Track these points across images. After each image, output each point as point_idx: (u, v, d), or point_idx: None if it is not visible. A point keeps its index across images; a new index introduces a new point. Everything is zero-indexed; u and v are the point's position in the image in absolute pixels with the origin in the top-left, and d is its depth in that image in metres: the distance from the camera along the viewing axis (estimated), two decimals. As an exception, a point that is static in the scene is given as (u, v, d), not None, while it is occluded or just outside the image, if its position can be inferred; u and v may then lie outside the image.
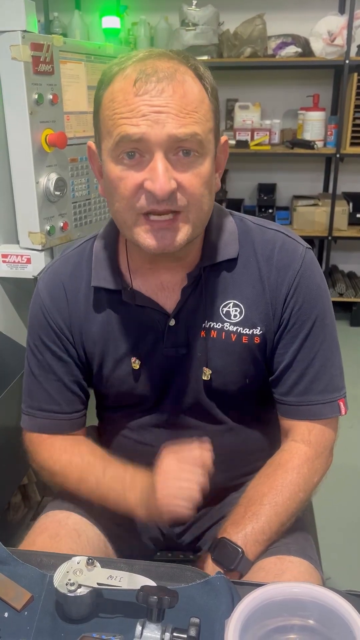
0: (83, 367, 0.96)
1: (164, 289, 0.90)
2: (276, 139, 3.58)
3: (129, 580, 0.67)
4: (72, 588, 0.67)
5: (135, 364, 0.91)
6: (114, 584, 0.67)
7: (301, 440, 0.90)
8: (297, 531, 0.91)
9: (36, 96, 1.44)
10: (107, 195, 0.82)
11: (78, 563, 0.70)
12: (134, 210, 0.78)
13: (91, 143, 0.87)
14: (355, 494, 2.04)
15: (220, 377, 0.90)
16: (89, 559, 0.70)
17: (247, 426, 0.97)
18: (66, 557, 0.72)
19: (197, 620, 0.59)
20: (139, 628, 0.59)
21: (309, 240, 0.84)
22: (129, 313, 0.90)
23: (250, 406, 0.96)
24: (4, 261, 1.59)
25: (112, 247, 0.92)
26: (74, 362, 0.95)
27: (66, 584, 0.67)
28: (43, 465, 0.95)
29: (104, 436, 1.06)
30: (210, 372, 0.90)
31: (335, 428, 0.92)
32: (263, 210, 3.67)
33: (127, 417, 0.99)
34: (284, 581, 0.79)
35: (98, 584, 0.67)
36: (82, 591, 0.67)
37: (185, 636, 0.58)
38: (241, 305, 0.88)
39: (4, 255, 1.59)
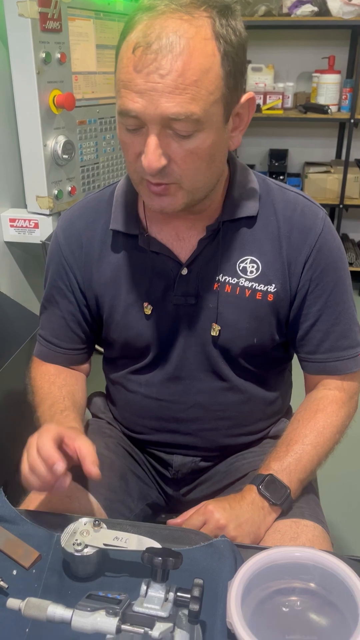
0: (90, 312, 0.98)
1: (180, 239, 0.91)
2: (289, 103, 3.48)
3: (134, 541, 0.68)
4: (79, 548, 0.68)
5: (147, 309, 0.92)
6: (120, 545, 0.68)
7: (335, 388, 0.95)
8: (309, 495, 0.92)
9: (44, 55, 1.40)
10: None
11: (85, 524, 0.71)
12: (137, 173, 0.80)
13: None
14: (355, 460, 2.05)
15: (229, 333, 0.91)
16: (95, 520, 0.71)
17: (251, 385, 0.98)
18: (74, 519, 0.73)
19: (200, 581, 0.61)
20: (143, 587, 0.60)
21: None
22: (143, 259, 0.91)
23: (255, 367, 0.96)
24: (11, 225, 1.58)
25: (132, 194, 0.93)
26: (78, 304, 0.98)
27: (73, 544, 0.68)
28: (29, 384, 1.02)
29: (112, 396, 1.07)
30: (219, 328, 0.91)
31: (358, 376, 0.98)
32: (274, 176, 3.61)
33: (135, 372, 1.00)
34: (294, 545, 0.81)
35: (104, 544, 0.68)
36: (88, 551, 0.68)
37: (188, 596, 0.59)
38: (258, 262, 0.90)
39: (12, 220, 1.58)
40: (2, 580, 0.68)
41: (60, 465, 0.72)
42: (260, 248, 0.89)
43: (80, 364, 1.04)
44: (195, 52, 0.70)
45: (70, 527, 0.71)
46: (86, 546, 0.68)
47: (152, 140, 0.74)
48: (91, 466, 0.75)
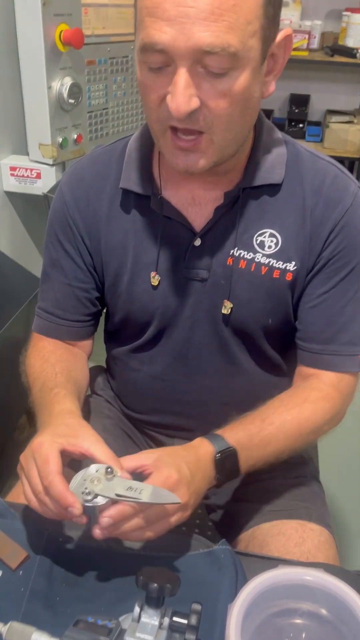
0: (97, 276, 0.90)
1: (195, 204, 0.82)
2: (315, 43, 3.24)
3: (149, 493, 0.62)
4: (89, 498, 0.61)
5: (155, 279, 0.84)
6: (134, 496, 0.61)
7: (330, 384, 0.85)
8: (316, 493, 0.87)
9: (50, -17, 1.26)
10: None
11: (96, 471, 0.64)
12: (160, 122, 0.70)
13: None
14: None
15: (242, 312, 0.84)
16: (108, 468, 0.64)
17: (262, 370, 0.91)
18: (84, 464, 0.66)
19: (198, 607, 0.56)
20: (137, 610, 0.56)
21: (339, 160, 0.77)
22: (154, 224, 0.83)
23: (269, 350, 0.89)
24: (12, 174, 1.48)
25: (147, 149, 0.83)
26: (87, 268, 0.89)
27: (82, 493, 0.62)
28: (23, 363, 0.93)
29: (113, 372, 1.01)
30: (232, 306, 0.83)
31: (356, 380, 0.88)
32: (293, 124, 3.41)
33: (138, 349, 0.93)
34: (299, 550, 0.76)
35: (116, 494, 0.62)
36: (99, 501, 0.61)
37: (185, 622, 0.55)
38: (278, 236, 0.81)
39: (12, 168, 1.47)
40: (-15, 585, 0.64)
41: (77, 508, 0.61)
42: (281, 221, 0.80)
43: (83, 339, 0.95)
44: None
45: (80, 475, 0.64)
46: (97, 496, 0.61)
47: (182, 78, 0.63)
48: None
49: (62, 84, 1.36)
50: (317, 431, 0.83)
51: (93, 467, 0.64)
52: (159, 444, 0.99)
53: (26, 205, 1.58)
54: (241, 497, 0.92)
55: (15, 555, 0.68)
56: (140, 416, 0.98)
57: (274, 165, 0.80)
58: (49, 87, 1.34)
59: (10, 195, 1.52)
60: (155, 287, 0.85)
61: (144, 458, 0.67)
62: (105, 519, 0.61)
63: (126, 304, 0.88)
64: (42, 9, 1.26)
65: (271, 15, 0.65)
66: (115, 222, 0.85)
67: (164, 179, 0.82)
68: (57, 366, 0.88)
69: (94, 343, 0.98)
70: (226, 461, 0.74)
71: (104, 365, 1.07)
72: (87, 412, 1.02)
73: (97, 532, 0.62)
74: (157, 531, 0.65)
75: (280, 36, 0.68)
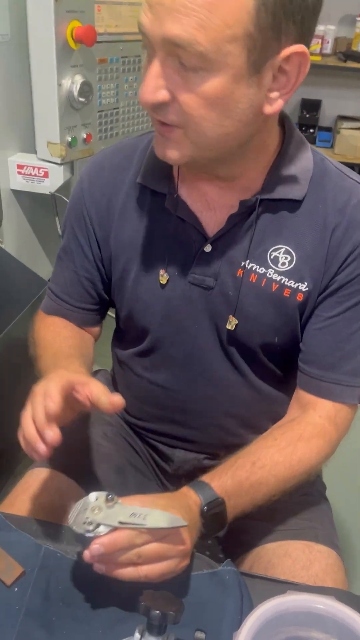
0: (104, 270, 0.88)
1: (210, 209, 0.79)
2: (328, 48, 3.22)
3: (155, 518, 0.59)
4: (91, 528, 0.59)
5: (163, 277, 0.81)
6: (138, 522, 0.59)
7: (327, 417, 0.81)
8: (323, 512, 0.84)
9: (63, -21, 1.23)
10: None
11: (96, 499, 0.62)
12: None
13: None
14: None
15: (247, 328, 0.80)
16: (108, 495, 0.62)
17: (267, 385, 0.87)
18: (74, 506, 0.63)
19: (202, 636, 0.53)
20: (137, 636, 0.53)
21: (349, 166, 0.75)
22: (167, 223, 0.81)
23: (274, 365, 0.86)
24: (19, 172, 1.45)
25: None
26: (95, 260, 0.87)
27: (84, 523, 0.59)
28: (31, 337, 0.91)
29: (117, 376, 0.99)
30: (237, 322, 0.80)
31: (354, 413, 0.83)
32: (304, 129, 3.38)
33: (141, 354, 0.90)
34: (306, 573, 0.73)
35: (120, 522, 0.59)
36: (102, 530, 0.58)
37: (188, 652, 0.52)
38: (293, 254, 0.77)
39: (20, 166, 1.45)
40: (-22, 602, 0.61)
41: (54, 432, 0.62)
42: (299, 238, 0.76)
43: (91, 326, 0.93)
44: None
45: (79, 504, 0.62)
46: (99, 525, 0.59)
47: (153, 67, 0.63)
48: (110, 399, 0.64)
49: (73, 82, 1.34)
50: (310, 470, 0.78)
51: (92, 495, 0.62)
52: (160, 454, 0.96)
53: (33, 204, 1.56)
54: (248, 513, 0.89)
55: (11, 571, 0.65)
56: (142, 423, 0.95)
57: (297, 180, 0.76)
58: (59, 85, 1.32)
59: (17, 193, 1.49)
60: (163, 286, 0.82)
61: (137, 501, 0.63)
62: (96, 546, 0.58)
63: (131, 301, 0.86)
64: (54, 5, 1.23)
65: (268, 26, 0.60)
66: (129, 216, 0.83)
67: (181, 178, 0.79)
68: (69, 340, 0.87)
69: (101, 331, 0.96)
70: (213, 514, 0.69)
71: (109, 370, 1.04)
72: (87, 418, 0.99)
73: (87, 556, 0.59)
74: (153, 572, 0.60)
75: (288, 51, 0.62)
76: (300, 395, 0.83)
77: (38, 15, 1.26)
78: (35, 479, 0.86)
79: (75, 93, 1.34)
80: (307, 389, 0.82)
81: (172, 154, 0.70)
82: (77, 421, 0.99)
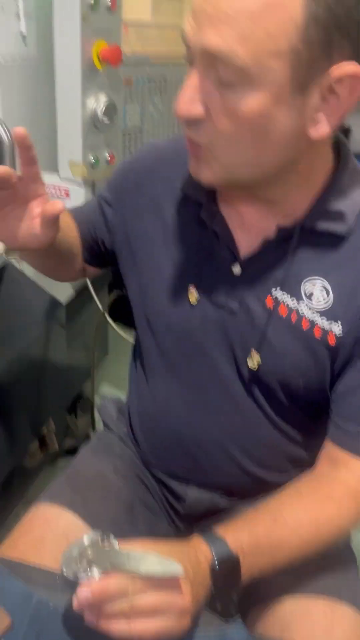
0: (107, 254, 0.89)
1: (245, 229, 0.74)
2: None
3: (151, 563, 0.54)
4: (81, 570, 0.54)
5: (192, 295, 0.76)
6: (132, 567, 0.54)
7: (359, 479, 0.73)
8: (347, 565, 0.76)
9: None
10: None
11: (91, 541, 0.57)
12: None
13: None
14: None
15: (270, 364, 0.74)
16: (103, 536, 0.57)
17: (293, 427, 0.80)
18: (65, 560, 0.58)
19: None
20: None
21: None
22: (200, 235, 0.76)
23: (299, 409, 0.79)
24: (40, 192, 1.43)
25: None
26: (99, 238, 0.88)
27: (75, 564, 0.55)
28: None
29: (131, 396, 0.94)
30: (259, 357, 0.73)
31: None
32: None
33: (156, 377, 0.86)
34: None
35: (111, 565, 0.54)
36: (95, 575, 0.54)
37: None
38: (331, 292, 0.70)
39: (41, 185, 1.42)
40: None
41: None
42: (339, 276, 0.70)
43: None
44: None
45: (73, 546, 0.57)
46: (90, 568, 0.54)
47: (191, 78, 0.59)
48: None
49: (97, 102, 1.32)
50: (339, 534, 0.71)
51: (87, 537, 0.57)
52: (172, 492, 0.90)
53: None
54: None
55: (-2, 621, 0.59)
56: (154, 457, 0.90)
57: (344, 214, 0.69)
58: (84, 105, 1.30)
59: (38, 213, 1.47)
60: (192, 306, 0.77)
61: (139, 546, 0.58)
62: (83, 590, 0.52)
63: (151, 308, 0.82)
64: (81, 24, 1.22)
65: (317, 40, 0.54)
66: (161, 215, 0.80)
67: (219, 192, 0.75)
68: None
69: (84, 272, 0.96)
70: (225, 572, 0.62)
71: (121, 395, 0.99)
72: (98, 448, 0.94)
73: (76, 606, 0.53)
74: (147, 629, 0.54)
75: (339, 70, 0.56)
76: (332, 449, 0.75)
77: (64, 34, 1.25)
78: (40, 516, 0.80)
79: (100, 113, 1.32)
80: (340, 444, 0.73)
81: (205, 175, 0.66)
82: (86, 453, 0.94)
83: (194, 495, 0.87)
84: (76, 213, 0.92)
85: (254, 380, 0.77)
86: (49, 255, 0.81)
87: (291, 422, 0.80)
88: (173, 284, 0.78)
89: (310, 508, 0.69)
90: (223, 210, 0.75)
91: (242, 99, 0.57)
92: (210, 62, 0.57)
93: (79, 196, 1.39)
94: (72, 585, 0.54)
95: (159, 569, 0.54)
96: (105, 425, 0.99)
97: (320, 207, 0.69)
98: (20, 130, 0.63)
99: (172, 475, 0.89)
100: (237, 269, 0.74)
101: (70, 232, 0.87)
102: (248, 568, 0.64)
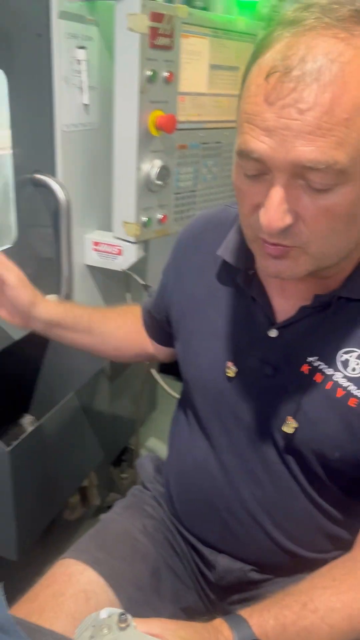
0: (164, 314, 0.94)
1: (284, 296, 0.75)
2: None
3: None
4: None
5: (231, 370, 0.77)
6: None
7: None
8: None
9: (150, 73, 1.30)
10: None
11: (108, 617, 0.55)
12: (251, 229, 0.65)
13: None
14: None
15: (305, 434, 0.72)
16: (121, 614, 0.55)
17: (329, 503, 0.77)
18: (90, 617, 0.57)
19: None
20: None
21: None
22: (238, 299, 0.78)
23: (334, 484, 0.76)
24: (94, 249, 1.49)
25: None
26: (163, 301, 0.94)
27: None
28: None
29: (170, 460, 0.93)
30: (296, 426, 0.72)
31: None
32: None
33: (192, 438, 0.85)
34: None
35: None
36: None
37: None
38: None
39: (96, 243, 1.49)
40: None
41: None
42: None
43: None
44: (351, 82, 0.53)
45: (89, 619, 0.56)
46: None
47: (277, 193, 0.58)
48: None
49: (152, 165, 1.38)
50: None
51: (105, 612, 0.56)
52: (203, 558, 0.87)
53: (106, 279, 1.59)
54: None
55: None
56: (187, 519, 0.88)
57: None
58: (138, 169, 1.36)
59: (91, 268, 1.53)
60: (230, 379, 0.77)
61: (158, 626, 0.56)
62: None
63: (191, 372, 0.84)
64: (139, 96, 1.29)
65: None
66: (202, 282, 0.83)
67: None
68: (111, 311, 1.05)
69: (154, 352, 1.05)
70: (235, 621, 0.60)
71: (161, 454, 0.99)
72: (130, 505, 0.94)
73: None
74: None
75: None
76: None
77: (124, 105, 1.33)
78: (63, 571, 0.80)
79: (153, 176, 1.38)
80: None
81: (291, 272, 0.65)
82: (117, 509, 0.94)
83: (225, 564, 0.84)
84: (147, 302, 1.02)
85: (289, 449, 0.75)
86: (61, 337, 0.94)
87: (328, 498, 0.77)
88: (213, 358, 0.79)
89: (343, 594, 0.64)
90: (261, 276, 0.75)
91: (337, 197, 0.58)
92: (298, 173, 0.57)
93: (131, 254, 1.44)
94: None
95: None
96: (141, 482, 0.99)
97: (358, 276, 0.69)
98: None
99: (203, 542, 0.87)
100: (273, 333, 0.74)
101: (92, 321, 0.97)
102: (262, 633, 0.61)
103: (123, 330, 1.02)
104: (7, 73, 1.17)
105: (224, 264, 0.81)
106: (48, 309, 0.90)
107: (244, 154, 0.59)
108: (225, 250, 0.79)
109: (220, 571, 0.85)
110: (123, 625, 0.54)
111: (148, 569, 0.84)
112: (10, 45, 1.17)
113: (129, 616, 0.55)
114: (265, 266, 0.67)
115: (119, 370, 1.59)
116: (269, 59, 0.56)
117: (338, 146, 0.54)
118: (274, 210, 0.58)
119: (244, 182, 0.62)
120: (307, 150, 0.54)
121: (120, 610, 0.55)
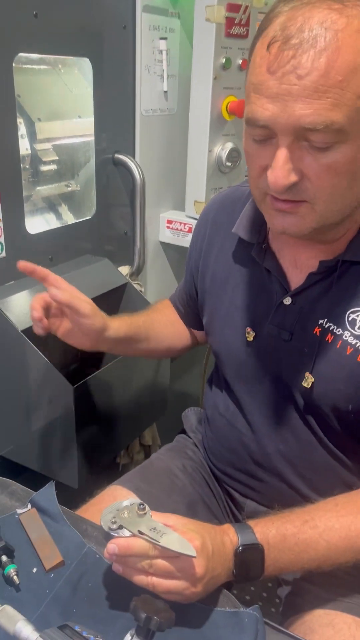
0: (196, 293, 0.99)
1: (296, 267, 0.80)
2: None
3: (170, 540, 0.61)
4: (114, 527, 0.63)
5: (250, 335, 0.84)
6: (154, 537, 0.62)
7: None
8: None
9: (223, 60, 1.39)
10: None
11: (130, 504, 0.66)
12: (259, 190, 0.71)
13: None
14: None
15: (321, 389, 0.78)
16: (140, 504, 0.66)
17: (346, 455, 0.82)
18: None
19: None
20: (128, 638, 0.54)
21: None
22: (253, 272, 0.84)
23: (351, 436, 0.81)
24: (168, 227, 1.61)
25: None
26: (193, 283, 0.98)
27: (110, 521, 0.64)
28: None
29: (207, 412, 1.02)
30: (313, 380, 0.78)
31: None
32: None
33: (222, 395, 0.94)
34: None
35: (138, 531, 0.62)
36: (123, 533, 0.63)
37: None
38: None
39: (169, 221, 1.60)
40: (16, 575, 0.68)
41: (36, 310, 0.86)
42: None
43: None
44: (344, 47, 0.58)
45: (114, 505, 0.67)
46: (121, 527, 0.63)
47: (282, 154, 0.63)
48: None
49: (223, 148, 1.47)
50: None
51: (128, 500, 0.66)
52: (234, 500, 0.96)
53: (176, 255, 1.70)
54: (307, 576, 0.84)
55: (52, 558, 0.71)
56: (221, 466, 0.97)
57: None
58: (210, 151, 1.45)
59: (164, 245, 1.65)
60: (249, 343, 0.85)
61: (173, 519, 0.65)
62: (112, 545, 0.62)
63: (217, 344, 0.91)
64: (212, 83, 1.39)
65: None
66: (222, 258, 0.89)
67: (272, 233, 0.83)
68: (155, 312, 1.09)
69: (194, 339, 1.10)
70: (248, 558, 0.67)
71: (202, 407, 1.08)
72: (174, 448, 1.04)
73: (105, 555, 0.63)
74: (161, 586, 0.62)
75: None
76: None
77: (199, 91, 1.43)
78: (110, 494, 0.92)
79: (224, 158, 1.46)
80: None
81: (296, 228, 0.70)
82: (163, 450, 1.04)
83: (252, 507, 0.92)
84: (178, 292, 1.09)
85: (307, 405, 0.81)
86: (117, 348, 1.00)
87: (344, 449, 0.82)
88: (233, 325, 0.86)
89: (342, 517, 0.71)
90: (275, 249, 0.81)
91: (337, 155, 0.62)
92: (300, 134, 0.61)
93: (200, 231, 1.54)
94: (105, 535, 0.64)
95: (175, 546, 0.61)
96: (184, 431, 1.09)
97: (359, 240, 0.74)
98: (21, 264, 0.85)
99: (234, 487, 0.95)
100: (287, 301, 0.80)
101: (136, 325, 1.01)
102: (272, 561, 0.68)
103: (169, 328, 1.07)
104: (93, 62, 1.31)
105: (240, 241, 0.85)
106: (116, 330, 0.93)
107: (251, 122, 0.63)
108: (239, 227, 0.84)
109: (247, 513, 0.93)
110: (141, 512, 0.64)
111: (184, 502, 0.94)
112: (96, 36, 1.30)
113: (147, 506, 0.65)
114: (273, 224, 0.71)
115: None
116: (270, 32, 0.61)
117: (334, 107, 0.59)
118: (280, 168, 0.63)
119: (253, 147, 0.67)
120: (305, 113, 0.59)
121: (140, 501, 0.66)
